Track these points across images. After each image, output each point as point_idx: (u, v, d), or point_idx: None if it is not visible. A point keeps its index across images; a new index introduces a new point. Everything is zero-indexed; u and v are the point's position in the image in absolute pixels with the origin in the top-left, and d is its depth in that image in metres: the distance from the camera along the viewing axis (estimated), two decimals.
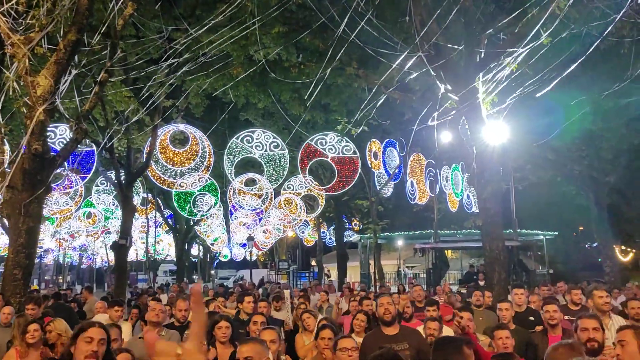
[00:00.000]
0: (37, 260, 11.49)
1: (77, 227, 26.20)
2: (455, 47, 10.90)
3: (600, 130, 17.71)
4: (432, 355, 3.19)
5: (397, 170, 24.00)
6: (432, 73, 12.20)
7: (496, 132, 12.56)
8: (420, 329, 5.19)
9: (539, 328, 5.78)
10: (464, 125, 13.45)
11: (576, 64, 9.37)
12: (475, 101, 11.70)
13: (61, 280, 37.62)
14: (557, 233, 28.55)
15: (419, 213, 28.25)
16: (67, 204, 18.82)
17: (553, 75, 10.40)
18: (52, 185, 9.36)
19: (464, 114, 12.54)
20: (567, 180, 21.92)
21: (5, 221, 11.38)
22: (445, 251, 25.05)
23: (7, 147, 9.17)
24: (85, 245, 33.16)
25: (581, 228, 33.92)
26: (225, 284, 28.09)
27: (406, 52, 10.25)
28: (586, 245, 35.01)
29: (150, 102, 13.10)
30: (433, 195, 23.91)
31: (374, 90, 13.96)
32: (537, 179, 22.83)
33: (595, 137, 18.35)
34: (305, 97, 13.92)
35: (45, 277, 39.20)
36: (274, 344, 4.11)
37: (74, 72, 8.51)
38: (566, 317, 5.96)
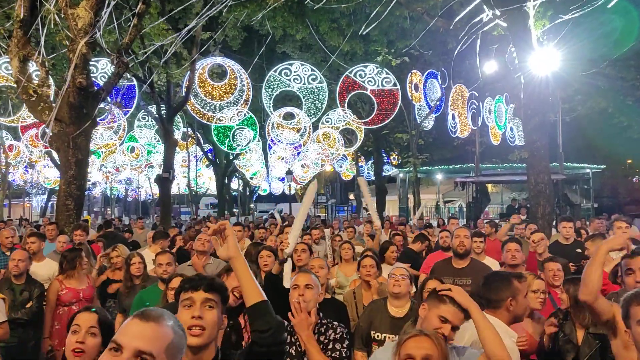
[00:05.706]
0: (86, 193, 11.94)
1: (122, 161, 26.92)
2: None
3: None
4: (481, 290, 3.06)
5: (438, 103, 23.36)
6: None
7: (546, 60, 11.94)
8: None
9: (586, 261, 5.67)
10: (510, 53, 12.82)
11: None
12: (525, 26, 11.07)
13: (109, 212, 39.30)
14: (604, 166, 27.64)
15: (459, 146, 27.74)
16: (112, 139, 19.26)
17: None
18: (97, 119, 9.52)
19: (512, 40, 11.93)
20: (619, 111, 20.89)
21: (55, 154, 11.77)
22: (486, 185, 24.70)
23: (51, 82, 9.30)
24: (130, 178, 34.22)
25: (629, 161, 32.74)
26: (265, 217, 28.71)
27: None
28: (634, 179, 33.86)
29: (186, 32, 12.92)
30: (475, 128, 23.31)
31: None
32: (586, 110, 21.82)
33: None
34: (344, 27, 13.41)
35: (94, 209, 41.08)
36: (322, 269, 4.39)
37: (112, 3, 8.41)
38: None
